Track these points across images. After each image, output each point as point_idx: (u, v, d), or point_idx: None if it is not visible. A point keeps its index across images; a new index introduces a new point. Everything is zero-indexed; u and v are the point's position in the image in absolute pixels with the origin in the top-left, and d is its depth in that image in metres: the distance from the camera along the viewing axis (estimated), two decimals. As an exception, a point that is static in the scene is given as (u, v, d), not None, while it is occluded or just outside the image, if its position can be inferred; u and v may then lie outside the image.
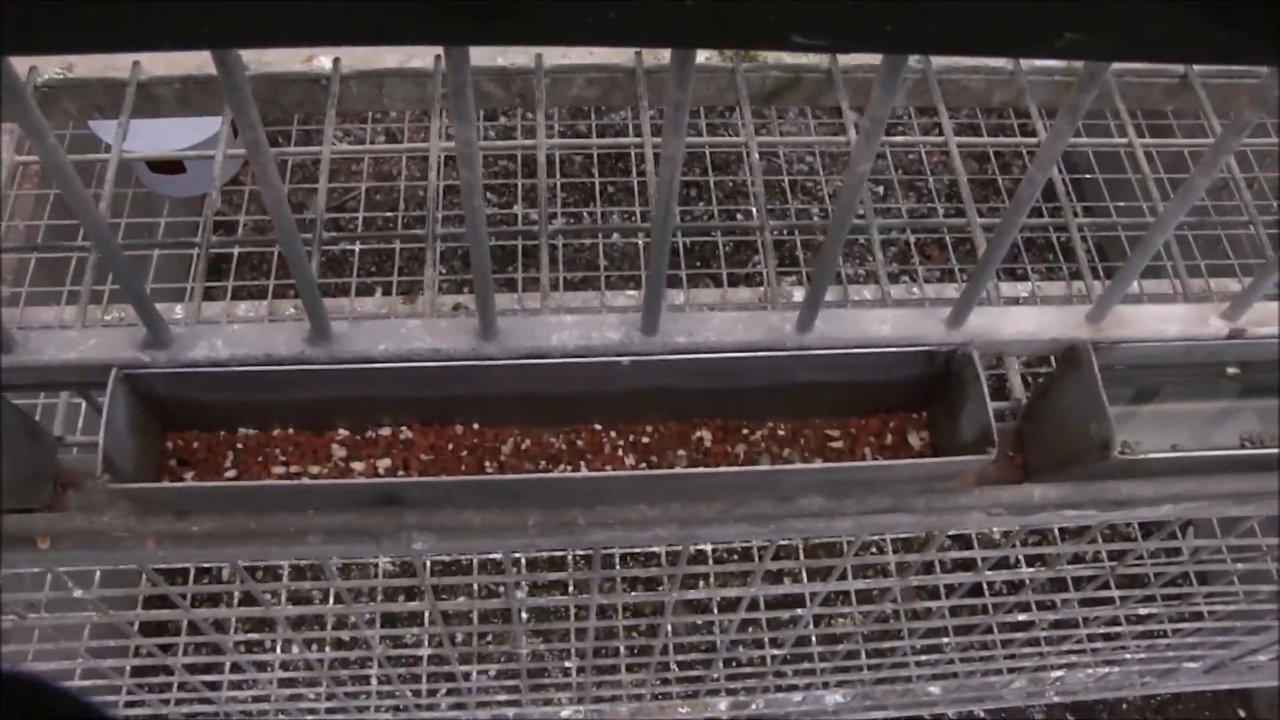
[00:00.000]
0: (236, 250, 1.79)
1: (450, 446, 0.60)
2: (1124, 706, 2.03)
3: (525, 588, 1.78)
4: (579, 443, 0.60)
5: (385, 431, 0.60)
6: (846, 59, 0.77)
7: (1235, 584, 1.32)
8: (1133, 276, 0.54)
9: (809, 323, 0.53)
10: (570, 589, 1.72)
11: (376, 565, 1.54)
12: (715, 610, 1.51)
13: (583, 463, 0.59)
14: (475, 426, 0.60)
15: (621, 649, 1.31)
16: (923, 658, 1.31)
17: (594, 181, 2.08)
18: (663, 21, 0.33)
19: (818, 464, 0.56)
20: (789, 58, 0.77)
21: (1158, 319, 0.58)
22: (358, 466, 0.59)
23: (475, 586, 1.52)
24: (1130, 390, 0.66)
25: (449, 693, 1.28)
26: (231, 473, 0.58)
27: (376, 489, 0.56)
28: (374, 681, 1.33)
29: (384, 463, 0.59)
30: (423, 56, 0.76)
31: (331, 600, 1.46)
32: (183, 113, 0.77)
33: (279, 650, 1.26)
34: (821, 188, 2.43)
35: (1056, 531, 1.49)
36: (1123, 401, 0.67)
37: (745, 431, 0.60)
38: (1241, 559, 1.02)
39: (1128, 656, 1.26)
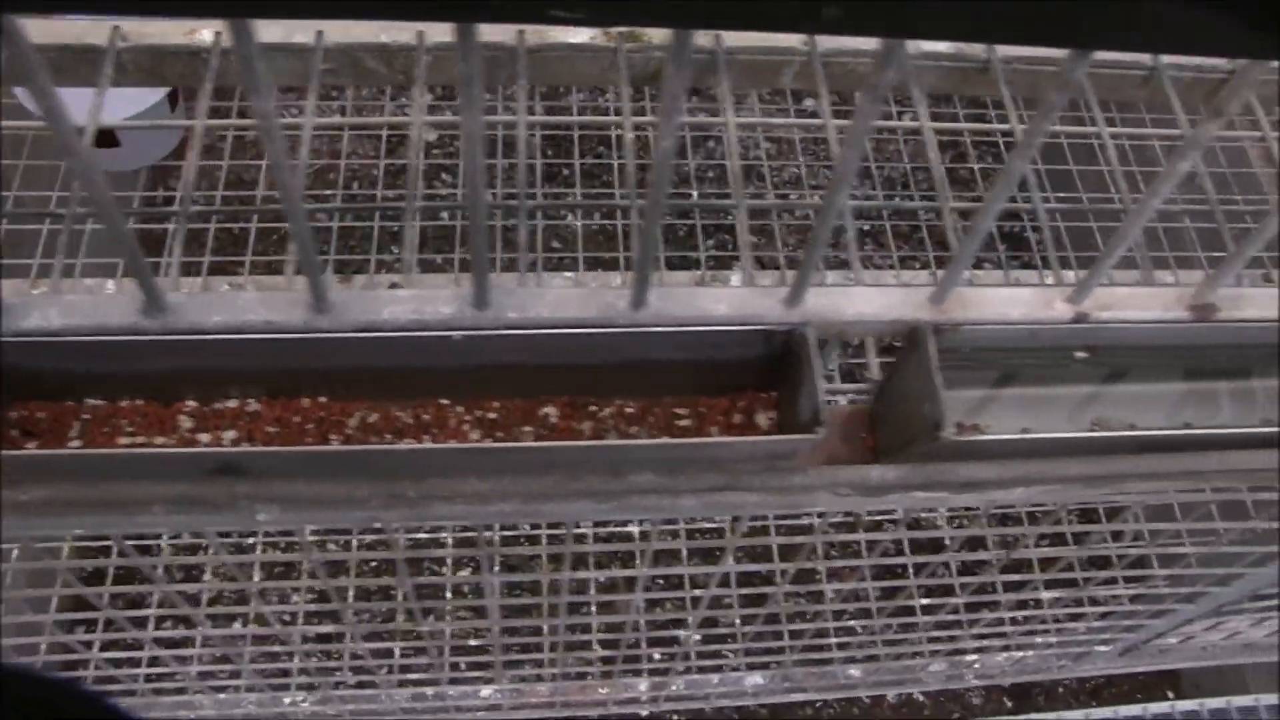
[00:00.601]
0: (174, 226, 1.78)
1: (297, 419, 0.60)
2: (1060, 690, 2.05)
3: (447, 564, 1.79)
4: (425, 417, 0.60)
5: (232, 404, 0.60)
6: (731, 40, 0.77)
7: (1155, 567, 1.33)
8: (967, 261, 0.54)
9: (641, 300, 0.53)
10: (510, 570, 1.72)
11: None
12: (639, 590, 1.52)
13: (427, 437, 0.59)
14: (322, 400, 0.60)
15: (545, 628, 1.32)
16: (843, 639, 1.32)
17: (537, 162, 2.08)
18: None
19: (643, 440, 0.56)
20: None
21: (1002, 302, 0.58)
22: (204, 438, 0.59)
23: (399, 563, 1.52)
24: (994, 373, 0.67)
25: (366, 670, 1.28)
26: (76, 443, 0.58)
27: (213, 459, 0.56)
28: (296, 659, 1.33)
29: (230, 434, 0.59)
30: (305, 31, 0.76)
31: (258, 575, 1.46)
32: (60, 82, 0.76)
33: (200, 628, 1.25)
34: (779, 173, 2.44)
35: (984, 515, 1.50)
36: (986, 385, 0.67)
37: (593, 409, 0.60)
38: (1148, 544, 1.03)
39: (1038, 640, 1.27)
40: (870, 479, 0.57)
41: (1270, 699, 1.58)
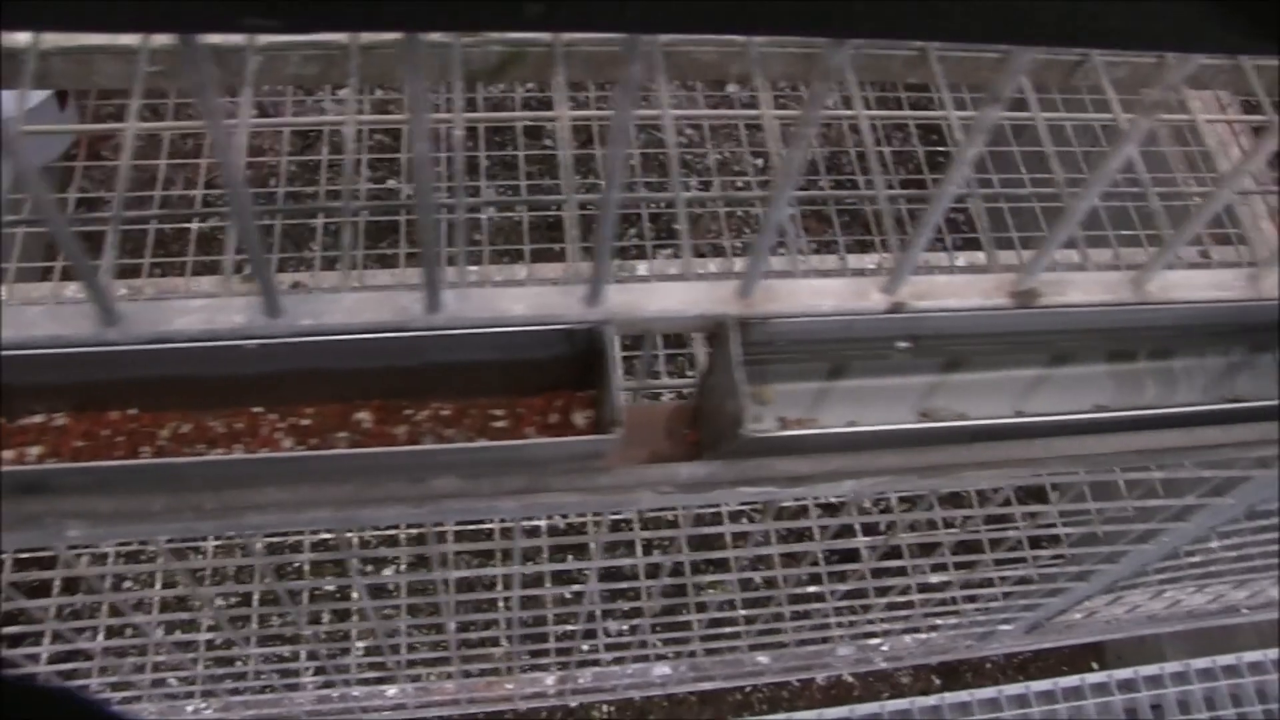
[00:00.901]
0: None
1: (106, 433, 0.58)
2: (988, 666, 2.07)
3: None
4: (238, 426, 0.59)
5: (38, 419, 0.59)
6: (570, 34, 0.76)
7: (1063, 545, 1.34)
8: (765, 250, 0.54)
9: (435, 304, 0.52)
10: (401, 566, 1.72)
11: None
12: (546, 585, 1.52)
13: (239, 446, 0.58)
14: (132, 412, 0.59)
15: (452, 625, 1.31)
16: (750, 627, 1.32)
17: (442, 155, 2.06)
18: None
19: (441, 445, 0.55)
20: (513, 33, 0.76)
21: (813, 294, 0.58)
22: (8, 455, 0.58)
23: (302, 566, 1.52)
24: (826, 365, 0.66)
25: (273, 674, 1.27)
26: (-125, 464, 0.57)
27: (17, 477, 0.55)
28: (200, 665, 1.32)
29: (35, 450, 0.58)
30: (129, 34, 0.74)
31: (160, 584, 1.45)
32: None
33: (98, 639, 1.24)
34: (701, 159, 2.44)
35: (894, 499, 1.51)
36: (820, 377, 0.67)
37: (408, 412, 0.60)
38: (1022, 524, 1.03)
39: (939, 622, 1.27)
40: (680, 477, 0.57)
41: (1174, 666, 1.60)
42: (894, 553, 1.34)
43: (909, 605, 1.23)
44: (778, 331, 0.58)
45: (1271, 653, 1.66)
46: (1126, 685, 1.57)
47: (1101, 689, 1.55)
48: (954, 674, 2.06)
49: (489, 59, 0.77)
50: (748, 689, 1.95)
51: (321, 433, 0.59)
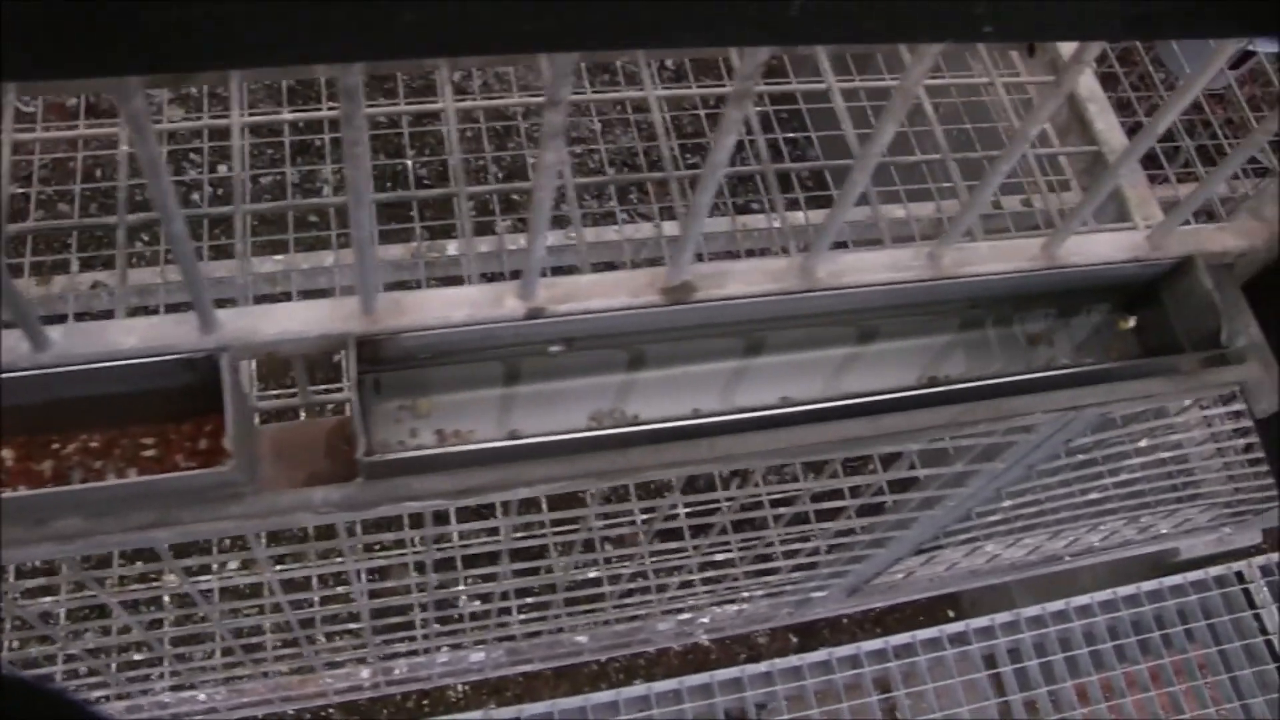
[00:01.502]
0: None
1: None
2: (844, 622, 2.11)
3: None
4: None
5: None
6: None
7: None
8: (370, 266, 0.53)
9: (41, 342, 0.51)
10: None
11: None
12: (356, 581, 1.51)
13: None
14: None
15: (268, 624, 1.31)
16: (574, 609, 1.32)
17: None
18: None
19: (53, 489, 0.55)
20: None
21: (444, 304, 0.57)
22: None
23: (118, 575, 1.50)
24: (498, 371, 0.66)
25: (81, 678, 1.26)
26: None
27: None
28: None
29: None
30: None
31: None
32: None
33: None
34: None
35: (719, 477, 1.52)
36: (495, 384, 0.66)
37: (55, 446, 0.59)
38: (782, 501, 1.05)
39: (749, 594, 1.29)
40: (314, 501, 0.57)
41: (1005, 616, 1.64)
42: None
43: (718, 580, 1.25)
44: (418, 345, 0.58)
45: (1099, 595, 1.71)
46: (959, 639, 1.61)
47: (934, 644, 1.59)
48: (811, 632, 2.09)
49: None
50: (604, 659, 1.97)
51: (-42, 473, 0.58)
